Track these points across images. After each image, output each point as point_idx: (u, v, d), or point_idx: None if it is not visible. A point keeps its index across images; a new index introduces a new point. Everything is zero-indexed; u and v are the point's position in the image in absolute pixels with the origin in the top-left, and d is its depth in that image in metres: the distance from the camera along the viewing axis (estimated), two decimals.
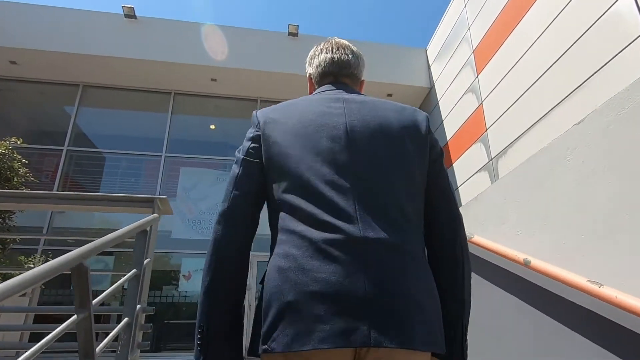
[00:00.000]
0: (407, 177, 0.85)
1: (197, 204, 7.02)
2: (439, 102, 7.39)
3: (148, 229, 1.63)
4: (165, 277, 6.60)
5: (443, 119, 7.18)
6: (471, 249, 2.30)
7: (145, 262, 1.63)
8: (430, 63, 7.94)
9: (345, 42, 1.09)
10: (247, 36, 7.29)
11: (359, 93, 1.01)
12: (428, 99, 7.91)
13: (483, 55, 5.88)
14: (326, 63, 1.04)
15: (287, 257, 0.76)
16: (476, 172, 5.89)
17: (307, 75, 1.10)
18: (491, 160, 5.50)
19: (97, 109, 7.59)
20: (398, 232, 0.79)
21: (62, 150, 6.82)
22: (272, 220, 0.86)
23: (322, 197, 0.79)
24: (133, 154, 7.28)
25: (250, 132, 0.91)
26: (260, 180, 0.88)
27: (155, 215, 1.74)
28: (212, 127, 8.25)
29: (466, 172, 6.23)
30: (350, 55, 1.05)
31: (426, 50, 8.15)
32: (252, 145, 0.89)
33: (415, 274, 0.78)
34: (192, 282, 6.33)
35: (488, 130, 5.64)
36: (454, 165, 6.67)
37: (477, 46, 6.08)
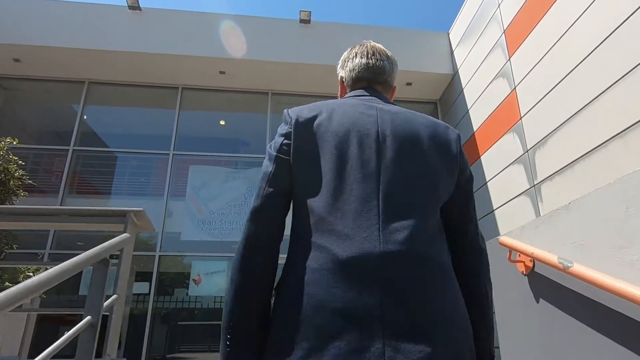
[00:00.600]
0: (432, 192, 0.83)
1: (207, 203, 6.70)
2: (464, 90, 6.81)
3: (110, 256, 1.24)
4: (177, 280, 6.31)
5: (469, 107, 6.60)
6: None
7: (107, 303, 1.22)
8: (453, 48, 7.34)
9: (381, 46, 1.05)
10: (255, 24, 6.86)
11: (390, 102, 0.98)
12: (451, 87, 7.32)
13: (516, 35, 5.28)
14: (360, 68, 1.01)
15: (305, 270, 0.74)
16: (509, 165, 5.33)
17: (339, 78, 1.07)
18: (527, 152, 4.93)
19: (103, 106, 7.33)
20: (421, 244, 0.76)
21: (68, 150, 6.59)
22: (294, 224, 0.84)
23: (345, 209, 0.77)
24: (141, 153, 7.00)
25: (283, 129, 0.88)
26: (291, 179, 0.85)
27: (125, 235, 1.34)
28: (222, 122, 7.90)
29: (496, 165, 5.66)
30: (385, 62, 1.03)
31: (448, 34, 7.54)
32: (285, 141, 0.86)
33: (441, 284, 0.75)
34: (203, 287, 6.02)
35: (523, 119, 5.06)
36: (481, 158, 6.11)
37: (508, 25, 5.48)
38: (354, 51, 1.04)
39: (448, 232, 0.85)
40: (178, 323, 6.03)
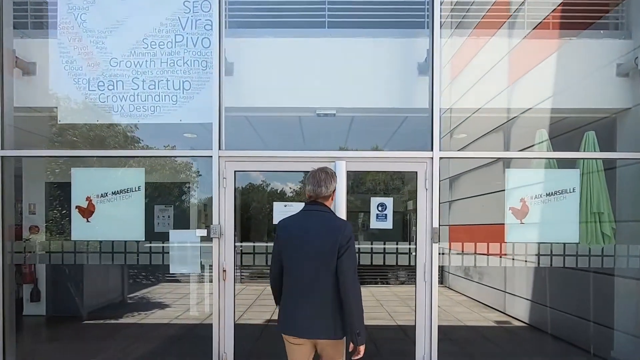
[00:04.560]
0: (327, 264, 1.94)
1: (102, 42, 3.10)
2: None
3: None
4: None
5: None
6: None
7: None
8: None
9: (323, 175, 2.07)
10: None
11: (322, 209, 2.06)
12: None
13: None
14: (309, 190, 2.08)
15: (284, 294, 2.06)
16: None
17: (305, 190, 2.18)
18: None
19: None
20: (318, 290, 1.95)
21: None
22: (283, 275, 2.11)
23: (292, 274, 2.02)
24: None
25: (278, 232, 2.08)
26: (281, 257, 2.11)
27: None
28: None
29: None
30: (322, 187, 2.05)
31: None
32: (277, 240, 2.09)
33: (328, 308, 1.95)
34: (97, 222, 2.96)
35: None
36: None
37: None
38: (308, 179, 2.09)
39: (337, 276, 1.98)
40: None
